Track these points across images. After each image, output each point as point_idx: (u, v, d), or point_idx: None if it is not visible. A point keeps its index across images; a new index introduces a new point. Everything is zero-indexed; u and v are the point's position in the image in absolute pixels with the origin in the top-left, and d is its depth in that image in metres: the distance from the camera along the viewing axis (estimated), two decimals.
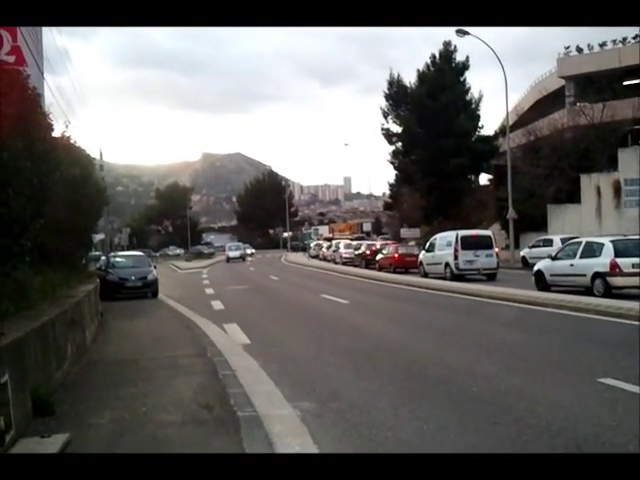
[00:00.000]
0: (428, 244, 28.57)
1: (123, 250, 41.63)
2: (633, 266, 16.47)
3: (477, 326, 12.91)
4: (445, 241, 26.49)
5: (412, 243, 39.96)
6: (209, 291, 25.45)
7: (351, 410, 6.60)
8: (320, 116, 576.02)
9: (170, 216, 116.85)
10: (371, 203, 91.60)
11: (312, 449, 5.28)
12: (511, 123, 41.60)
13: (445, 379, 7.92)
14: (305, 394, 7.32)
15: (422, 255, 28.68)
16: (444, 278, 25.24)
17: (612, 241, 17.61)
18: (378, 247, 39.20)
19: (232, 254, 63.20)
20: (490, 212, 46.41)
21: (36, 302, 8.59)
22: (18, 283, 8.45)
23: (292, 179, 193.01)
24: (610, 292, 16.53)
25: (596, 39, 45.83)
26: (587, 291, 17.23)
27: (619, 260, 16.64)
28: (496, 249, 25.90)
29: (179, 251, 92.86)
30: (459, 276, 24.90)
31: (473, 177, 57.85)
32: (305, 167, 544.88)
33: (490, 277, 24.84)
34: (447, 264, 25.63)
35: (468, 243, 25.29)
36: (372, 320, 14.52)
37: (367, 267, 36.76)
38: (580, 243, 18.82)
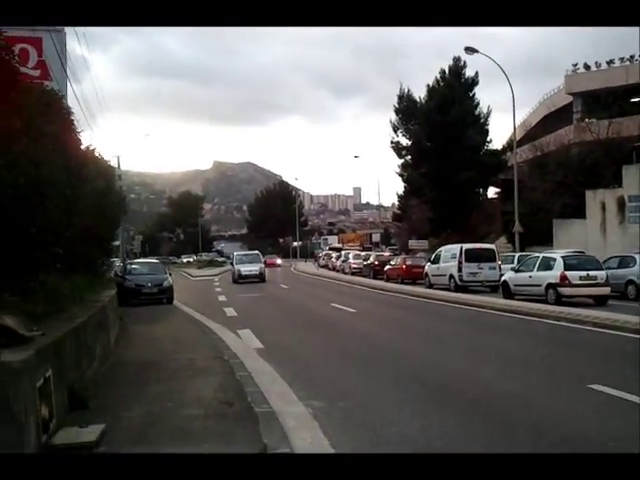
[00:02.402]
0: (434, 256, 29.23)
1: (136, 257, 42.41)
2: (580, 278, 18.87)
3: (477, 335, 13.52)
4: (450, 253, 27.16)
5: (420, 254, 40.47)
6: (222, 298, 26.11)
7: (358, 408, 7.24)
8: (331, 127, 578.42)
9: (182, 224, 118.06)
10: (380, 214, 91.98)
11: (323, 442, 5.91)
12: (519, 138, 42.18)
13: (445, 383, 8.54)
14: (316, 394, 7.93)
15: (428, 267, 29.33)
16: (448, 289, 25.86)
17: (563, 257, 20.05)
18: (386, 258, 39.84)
19: (245, 269, 37.95)
20: (497, 225, 46.98)
21: (67, 306, 9.27)
22: (50, 288, 9.17)
23: (302, 189, 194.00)
24: (560, 300, 18.71)
25: (604, 56, 46.42)
26: (543, 300, 19.14)
27: (568, 273, 18.95)
28: (499, 262, 26.55)
29: (221, 259, 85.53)
30: (463, 287, 25.56)
31: (481, 191, 58.34)
32: (315, 177, 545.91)
33: (493, 289, 25.40)
34: (451, 276, 26.30)
35: (472, 256, 25.98)
36: (378, 328, 15.15)
37: (375, 277, 37.36)
38: (538, 257, 21.00)
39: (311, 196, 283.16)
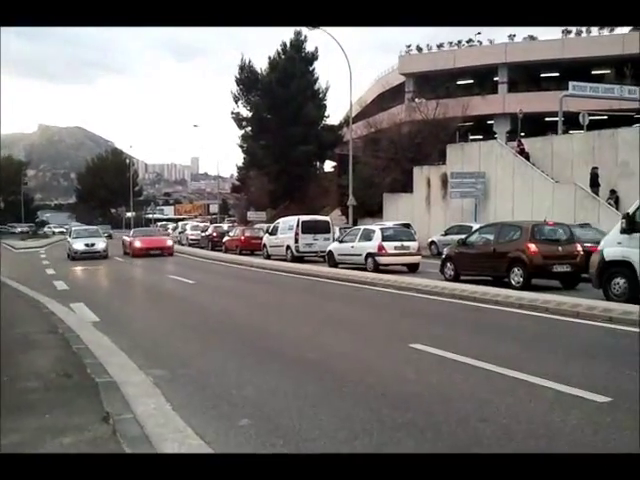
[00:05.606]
0: (271, 227, 30.05)
1: None
2: (395, 248, 20.95)
3: (313, 302, 14.26)
4: (287, 225, 28.07)
5: (258, 226, 41.07)
6: (50, 271, 24.89)
7: (200, 375, 7.49)
8: (170, 94, 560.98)
9: (1, 192, 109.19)
10: (218, 184, 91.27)
11: (165, 406, 6.10)
12: (355, 114, 43.81)
13: (283, 349, 9.02)
14: (157, 364, 8.05)
15: (266, 238, 29.98)
16: (285, 259, 26.67)
17: (381, 228, 22.23)
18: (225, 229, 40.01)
19: (78, 246, 31.41)
20: (333, 198, 48.70)
21: None
22: None
23: (136, 157, 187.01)
24: (378, 268, 20.54)
25: (436, 40, 49.01)
26: (363, 268, 20.90)
27: (385, 243, 20.89)
28: (333, 233, 27.83)
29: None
30: (299, 257, 26.58)
31: (318, 164, 60.13)
32: (151, 145, 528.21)
33: None
34: (288, 246, 27.23)
35: (308, 227, 27.11)
36: (217, 299, 15.39)
37: (213, 249, 37.38)
38: (360, 229, 23.06)
39: (146, 165, 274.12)
